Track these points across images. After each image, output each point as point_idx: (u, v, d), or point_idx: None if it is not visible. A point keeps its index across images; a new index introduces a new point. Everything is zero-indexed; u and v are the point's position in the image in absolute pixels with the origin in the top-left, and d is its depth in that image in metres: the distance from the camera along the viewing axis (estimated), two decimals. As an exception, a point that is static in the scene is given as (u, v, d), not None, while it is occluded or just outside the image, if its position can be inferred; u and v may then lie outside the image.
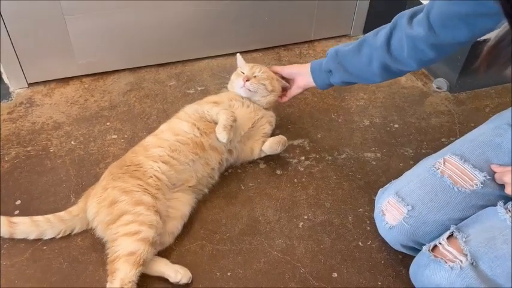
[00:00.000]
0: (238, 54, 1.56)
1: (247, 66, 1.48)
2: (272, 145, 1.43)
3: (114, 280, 1.06)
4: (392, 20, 1.17)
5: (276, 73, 1.51)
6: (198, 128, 1.34)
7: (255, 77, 1.44)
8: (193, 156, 1.30)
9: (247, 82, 1.42)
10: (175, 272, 1.14)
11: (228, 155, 1.40)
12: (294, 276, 1.19)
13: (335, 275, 1.19)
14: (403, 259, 1.22)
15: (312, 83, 1.41)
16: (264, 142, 1.44)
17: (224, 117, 1.33)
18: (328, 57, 1.33)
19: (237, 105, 1.44)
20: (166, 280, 1.15)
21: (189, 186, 1.30)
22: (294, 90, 1.49)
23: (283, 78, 1.51)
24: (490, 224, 1.02)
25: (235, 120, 1.35)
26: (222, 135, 1.30)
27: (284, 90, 1.53)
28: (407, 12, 1.14)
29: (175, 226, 1.24)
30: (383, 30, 1.18)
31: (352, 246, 1.26)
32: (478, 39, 1.10)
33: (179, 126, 1.35)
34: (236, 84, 1.45)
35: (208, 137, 1.34)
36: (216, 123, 1.35)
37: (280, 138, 1.45)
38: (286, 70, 1.49)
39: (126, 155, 1.32)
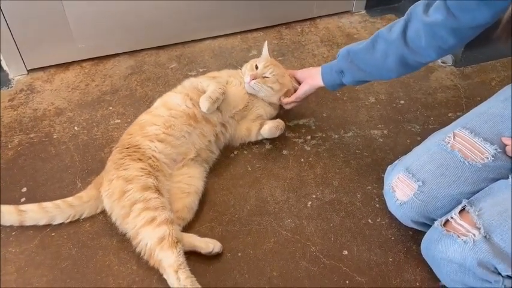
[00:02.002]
0: (266, 42, 1.54)
1: (263, 62, 1.46)
2: (271, 129, 1.43)
3: (165, 271, 1.07)
4: (406, 13, 1.14)
5: (291, 76, 1.49)
6: (191, 99, 1.35)
7: (264, 77, 1.43)
8: (187, 128, 1.31)
9: (253, 81, 1.41)
10: (206, 243, 1.16)
11: (222, 128, 1.39)
12: (305, 255, 1.18)
13: (345, 252, 1.19)
14: (413, 235, 1.22)
15: (320, 83, 1.38)
16: (261, 125, 1.44)
17: (212, 88, 1.34)
18: (339, 57, 1.30)
19: (235, 82, 1.46)
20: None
21: (191, 159, 1.31)
22: (301, 89, 1.44)
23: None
24: (503, 196, 1.01)
25: (222, 94, 1.35)
26: (203, 104, 1.31)
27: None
28: (421, 3, 1.11)
29: (192, 201, 1.25)
30: (397, 23, 1.16)
31: (361, 224, 1.26)
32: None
33: (172, 99, 1.36)
34: (245, 76, 1.45)
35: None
36: None
37: (279, 122, 1.44)
38: (299, 74, 1.49)
39: (122, 137, 1.32)
